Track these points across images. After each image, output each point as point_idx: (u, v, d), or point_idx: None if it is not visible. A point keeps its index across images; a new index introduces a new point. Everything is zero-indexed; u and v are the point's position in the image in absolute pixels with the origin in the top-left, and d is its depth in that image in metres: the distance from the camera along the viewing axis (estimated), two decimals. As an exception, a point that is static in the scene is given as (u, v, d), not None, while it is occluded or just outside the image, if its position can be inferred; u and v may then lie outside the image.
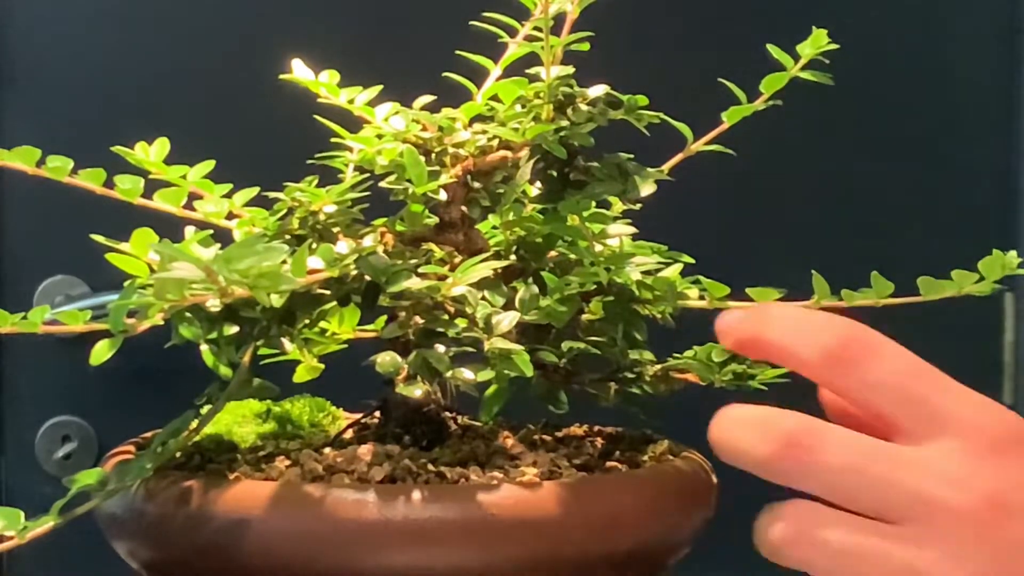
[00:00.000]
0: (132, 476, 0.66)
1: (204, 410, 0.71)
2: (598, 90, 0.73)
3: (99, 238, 0.70)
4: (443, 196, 0.71)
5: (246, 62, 1.09)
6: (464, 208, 0.73)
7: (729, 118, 0.76)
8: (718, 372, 0.72)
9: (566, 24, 0.75)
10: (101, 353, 0.66)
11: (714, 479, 0.73)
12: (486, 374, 0.66)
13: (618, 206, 0.76)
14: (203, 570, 0.65)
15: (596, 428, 0.79)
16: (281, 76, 0.74)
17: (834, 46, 0.76)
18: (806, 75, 0.76)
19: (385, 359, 0.66)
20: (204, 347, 0.71)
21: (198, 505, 0.65)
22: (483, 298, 0.68)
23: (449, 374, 0.65)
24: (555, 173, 0.73)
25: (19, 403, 1.15)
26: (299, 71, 0.75)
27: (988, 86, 1.21)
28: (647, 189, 0.71)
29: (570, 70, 0.73)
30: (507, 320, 0.67)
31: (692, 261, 0.75)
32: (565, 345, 0.71)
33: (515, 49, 0.75)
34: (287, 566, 0.63)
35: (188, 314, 0.68)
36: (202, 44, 1.15)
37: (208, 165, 0.75)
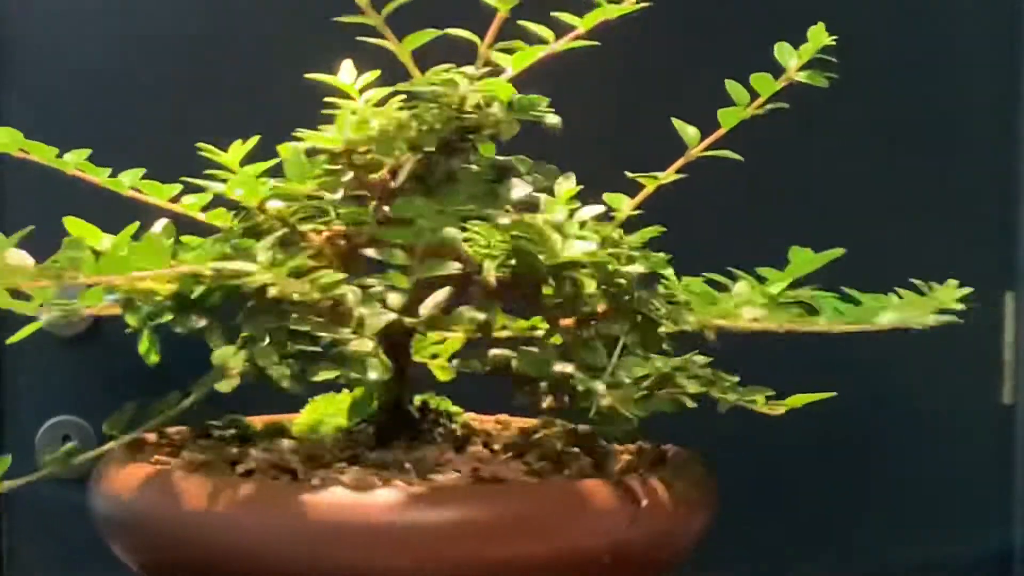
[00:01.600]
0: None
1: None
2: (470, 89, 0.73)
3: (72, 221, 0.71)
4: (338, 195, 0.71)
5: (247, 61, 1.08)
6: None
7: (725, 122, 0.77)
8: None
9: (494, 23, 0.75)
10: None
11: (714, 482, 0.73)
12: (327, 373, 0.66)
13: (618, 203, 0.76)
14: (200, 570, 0.65)
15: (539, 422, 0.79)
16: (306, 75, 0.74)
17: (831, 41, 0.76)
18: (801, 77, 0.76)
19: (220, 352, 0.67)
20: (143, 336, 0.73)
21: (194, 506, 0.65)
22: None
23: (273, 370, 0.66)
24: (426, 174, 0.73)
25: (19, 403, 1.15)
26: (344, 74, 0.76)
27: (988, 84, 1.21)
28: (520, 191, 0.70)
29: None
30: (378, 320, 0.67)
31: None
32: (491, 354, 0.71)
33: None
34: (280, 566, 0.63)
35: (138, 303, 0.70)
36: (203, 44, 1.15)
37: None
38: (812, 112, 1.19)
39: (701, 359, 0.70)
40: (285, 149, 0.71)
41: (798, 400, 0.71)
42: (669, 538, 0.69)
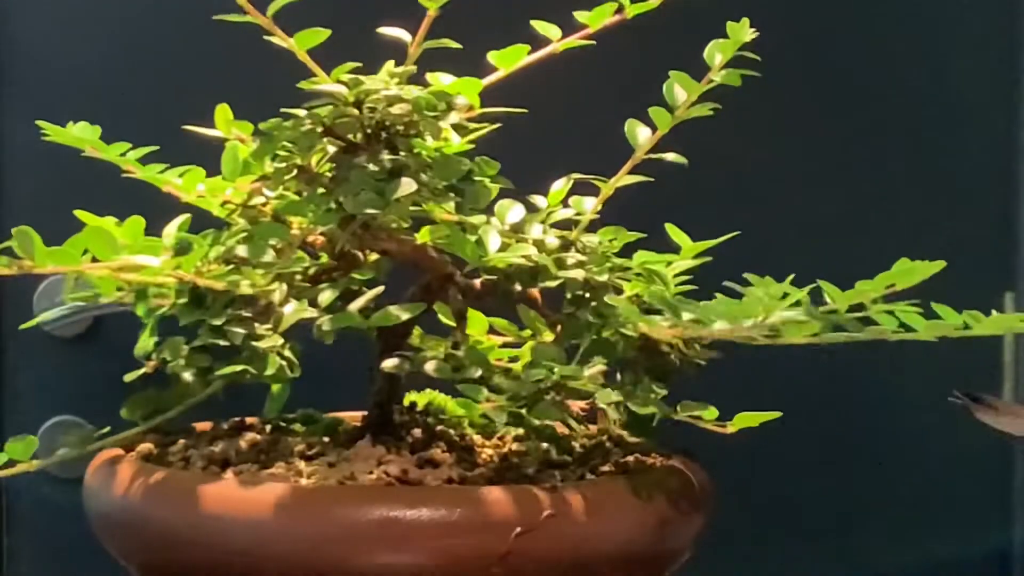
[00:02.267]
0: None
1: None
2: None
3: (82, 214, 0.71)
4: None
5: (248, 62, 1.09)
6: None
7: (660, 125, 0.76)
8: None
9: (423, 23, 0.75)
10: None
11: (710, 485, 0.73)
12: (230, 369, 0.67)
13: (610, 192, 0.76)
14: (195, 572, 0.66)
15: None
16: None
17: (751, 36, 0.75)
18: (720, 78, 0.76)
19: (143, 342, 0.68)
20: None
21: (189, 508, 0.65)
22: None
23: (174, 364, 0.67)
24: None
25: (19, 403, 1.15)
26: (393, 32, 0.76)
27: (988, 84, 1.21)
28: (406, 189, 0.70)
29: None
30: (292, 316, 0.67)
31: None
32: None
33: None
34: (279, 566, 0.63)
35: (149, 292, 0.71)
36: (203, 44, 1.15)
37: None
38: (812, 112, 1.19)
39: (596, 368, 0.68)
40: (230, 147, 0.73)
41: (748, 419, 0.70)
42: (667, 539, 0.69)
